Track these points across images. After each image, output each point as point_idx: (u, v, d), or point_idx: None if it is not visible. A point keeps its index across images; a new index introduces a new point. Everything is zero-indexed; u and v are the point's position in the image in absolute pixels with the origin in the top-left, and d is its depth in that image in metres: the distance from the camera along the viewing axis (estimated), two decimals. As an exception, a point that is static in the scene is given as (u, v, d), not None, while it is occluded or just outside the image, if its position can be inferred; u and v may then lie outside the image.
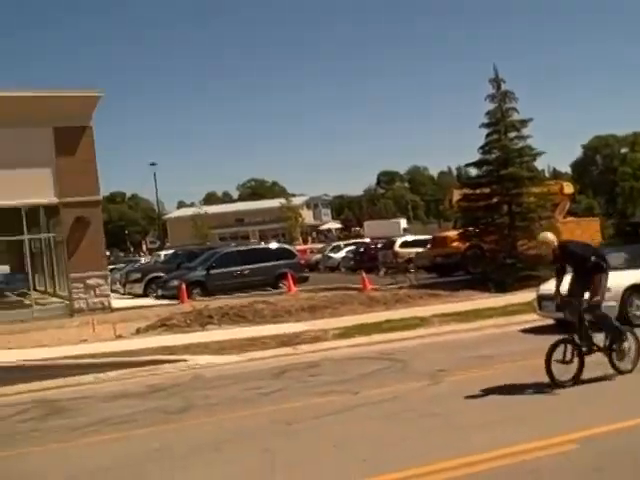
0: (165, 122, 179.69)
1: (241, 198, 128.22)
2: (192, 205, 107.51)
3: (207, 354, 13.99)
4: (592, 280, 9.13)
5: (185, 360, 13.42)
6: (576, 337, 9.03)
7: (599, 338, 9.27)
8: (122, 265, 41.69)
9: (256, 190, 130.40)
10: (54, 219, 25.06)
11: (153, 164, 68.05)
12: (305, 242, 69.95)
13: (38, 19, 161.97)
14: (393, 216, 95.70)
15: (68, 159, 23.31)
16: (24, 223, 23.80)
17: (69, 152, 23.33)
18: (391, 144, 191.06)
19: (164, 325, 18.02)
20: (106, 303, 23.83)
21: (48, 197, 23.53)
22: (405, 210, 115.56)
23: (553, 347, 8.90)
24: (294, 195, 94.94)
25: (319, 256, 45.71)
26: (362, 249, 40.49)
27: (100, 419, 9.45)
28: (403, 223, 74.96)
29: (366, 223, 77.33)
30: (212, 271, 26.52)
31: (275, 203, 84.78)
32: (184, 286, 25.01)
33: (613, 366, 9.30)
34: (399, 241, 36.04)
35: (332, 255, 43.64)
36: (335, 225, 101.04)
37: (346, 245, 45.57)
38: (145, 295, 28.99)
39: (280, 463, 6.81)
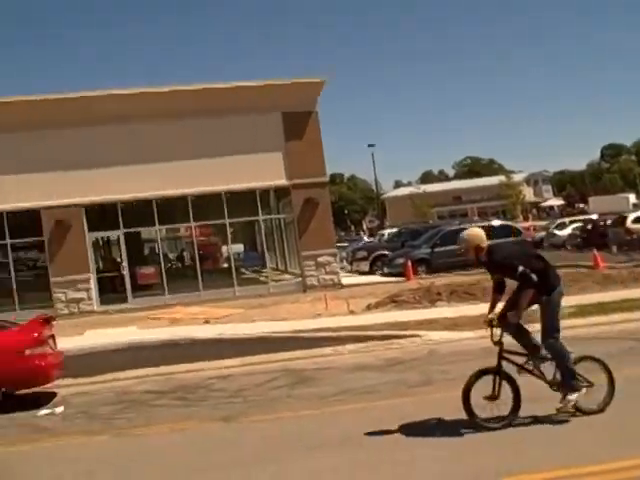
0: (380, 103, 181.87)
1: (457, 176, 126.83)
2: (409, 184, 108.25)
3: (439, 330, 14.11)
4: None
5: (419, 335, 13.63)
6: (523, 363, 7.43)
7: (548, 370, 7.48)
8: (345, 244, 42.95)
9: (472, 168, 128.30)
10: (284, 200, 26.34)
11: (371, 145, 69.22)
12: (526, 219, 67.95)
13: (263, 17, 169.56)
14: (620, 191, 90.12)
15: (296, 143, 24.44)
16: (258, 205, 25.29)
17: (297, 136, 24.45)
18: (615, 116, 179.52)
19: (394, 301, 18.37)
20: (336, 280, 24.77)
21: (279, 180, 24.78)
22: (633, 185, 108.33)
23: (474, 378, 7.36)
24: (512, 172, 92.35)
25: (543, 234, 44.20)
26: (590, 226, 38.57)
27: (344, 389, 9.88)
28: (632, 198, 70.34)
29: (591, 199, 73.49)
30: (436, 249, 26.62)
31: (493, 180, 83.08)
32: (409, 264, 25.37)
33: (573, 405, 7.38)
34: (631, 217, 33.89)
35: (557, 232, 41.98)
36: (557, 202, 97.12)
37: (571, 222, 43.59)
38: (371, 272, 29.75)
39: (530, 441, 6.75)
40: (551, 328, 7.29)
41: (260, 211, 25.53)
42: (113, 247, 27.14)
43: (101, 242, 27.30)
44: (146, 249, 29.47)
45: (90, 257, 23.94)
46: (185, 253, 27.97)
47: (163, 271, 24.85)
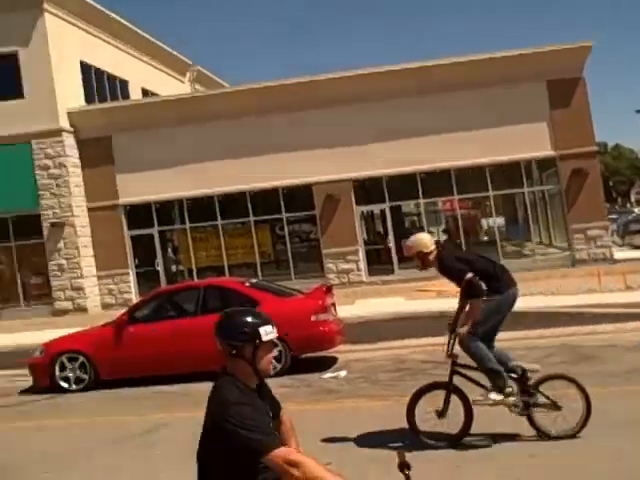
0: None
1: None
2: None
3: None
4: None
5: None
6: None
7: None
8: (614, 216, 40.61)
9: None
10: (547, 171, 25.42)
11: (639, 111, 64.28)
12: None
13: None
14: None
15: (562, 112, 23.44)
16: (523, 176, 24.71)
17: (563, 105, 23.44)
18: None
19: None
20: (607, 254, 23.51)
21: (544, 150, 23.95)
22: None
23: (419, 393, 7.02)
24: None
25: None
26: None
27: (632, 368, 9.43)
28: None
29: None
30: None
31: None
32: (691, 237, 23.46)
33: (533, 425, 6.83)
34: None
35: None
36: None
37: None
38: (645, 246, 27.97)
39: None
40: (474, 330, 6.83)
41: (524, 183, 24.93)
42: (376, 220, 27.93)
43: (366, 215, 28.25)
44: (406, 222, 29.99)
45: (358, 230, 24.94)
46: (449, 226, 28.03)
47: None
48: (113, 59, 28.75)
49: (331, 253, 24.64)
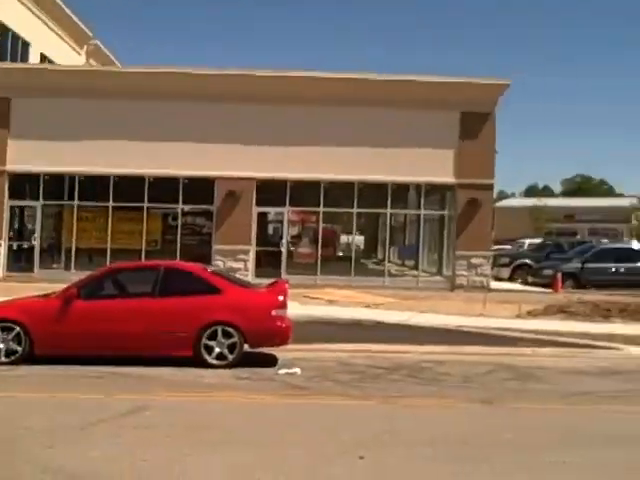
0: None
1: (565, 193, 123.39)
2: (512, 196, 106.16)
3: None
4: None
5: (618, 348, 13.77)
6: None
7: None
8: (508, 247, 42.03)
9: (582, 186, 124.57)
10: (445, 198, 26.02)
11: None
12: (645, 243, 65.58)
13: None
14: None
15: (469, 143, 24.50)
16: (422, 199, 25.68)
17: (471, 136, 24.50)
18: None
19: (563, 312, 18.37)
20: (485, 283, 24.77)
21: (446, 177, 24.87)
22: None
23: None
24: (622, 195, 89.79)
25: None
26: None
27: (582, 391, 10.10)
28: None
29: None
30: (587, 265, 26.35)
31: (616, 202, 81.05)
32: (559, 276, 25.29)
33: None
34: None
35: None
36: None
37: None
38: (510, 280, 29.79)
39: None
40: None
41: (422, 205, 25.84)
42: (272, 224, 27.73)
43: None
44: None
45: (253, 230, 24.85)
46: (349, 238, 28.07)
47: (319, 253, 25.55)
48: (17, 16, 27.14)
49: (222, 250, 24.41)
